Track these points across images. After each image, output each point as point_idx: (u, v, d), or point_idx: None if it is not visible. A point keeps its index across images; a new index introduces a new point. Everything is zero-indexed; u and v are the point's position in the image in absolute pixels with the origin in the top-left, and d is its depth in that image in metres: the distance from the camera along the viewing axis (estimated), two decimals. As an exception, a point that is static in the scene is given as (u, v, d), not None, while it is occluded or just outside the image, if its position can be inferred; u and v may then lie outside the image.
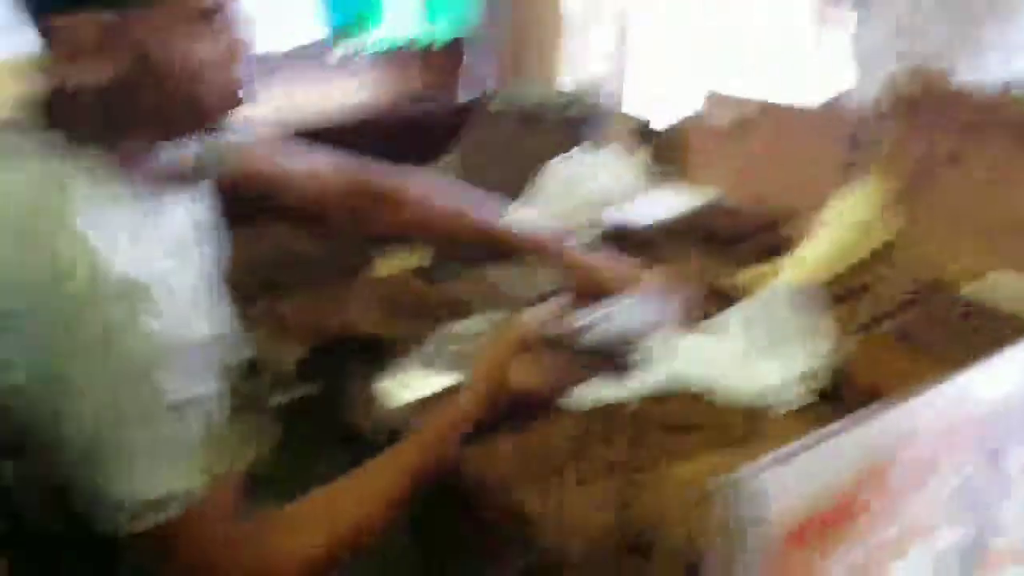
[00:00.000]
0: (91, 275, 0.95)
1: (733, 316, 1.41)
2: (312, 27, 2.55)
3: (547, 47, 2.66)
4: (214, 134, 1.21)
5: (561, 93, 2.11)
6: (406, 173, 1.53)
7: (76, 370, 0.95)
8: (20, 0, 1.02)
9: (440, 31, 2.69)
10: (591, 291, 1.41)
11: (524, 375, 1.13)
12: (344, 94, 2.65)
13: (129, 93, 1.04)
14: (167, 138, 1.14)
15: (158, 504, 0.99)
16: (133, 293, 0.97)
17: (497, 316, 1.43)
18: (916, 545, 1.07)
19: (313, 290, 1.61)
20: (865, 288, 1.51)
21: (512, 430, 1.27)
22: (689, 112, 1.95)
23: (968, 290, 1.45)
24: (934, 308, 1.40)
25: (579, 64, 2.69)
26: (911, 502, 1.02)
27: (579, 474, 1.20)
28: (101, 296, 0.95)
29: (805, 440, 0.89)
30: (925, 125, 1.55)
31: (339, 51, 2.44)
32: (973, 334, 1.33)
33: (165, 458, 0.99)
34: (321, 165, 1.49)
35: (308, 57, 2.45)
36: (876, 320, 1.34)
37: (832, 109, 1.90)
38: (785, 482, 0.87)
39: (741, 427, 1.29)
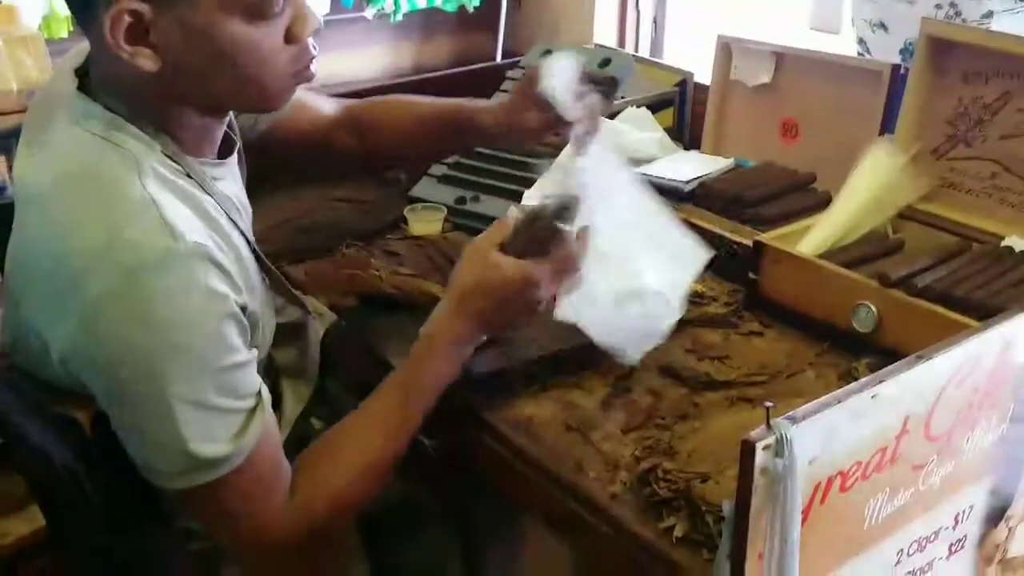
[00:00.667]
0: (161, 238, 0.97)
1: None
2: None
3: (582, 6, 2.65)
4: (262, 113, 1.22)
5: (596, 52, 2.10)
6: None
7: (136, 327, 0.96)
8: None
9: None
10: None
11: (507, 265, 1.16)
12: (382, 55, 2.65)
13: (183, 77, 1.04)
14: (222, 115, 1.16)
15: (210, 463, 1.01)
16: (199, 256, 0.99)
17: None
18: (948, 497, 1.08)
19: (347, 252, 1.63)
20: (899, 245, 1.51)
21: (543, 385, 1.30)
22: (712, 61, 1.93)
23: (1009, 241, 1.44)
24: (971, 262, 1.39)
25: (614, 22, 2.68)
26: (948, 455, 1.03)
27: (616, 425, 1.22)
28: (172, 257, 0.97)
29: (839, 392, 0.90)
30: (959, 75, 1.54)
31: (374, 12, 2.42)
32: (1013, 287, 1.32)
33: (218, 418, 1.01)
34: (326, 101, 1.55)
35: (346, 20, 2.45)
36: (911, 276, 1.33)
37: (863, 59, 1.89)
38: (818, 433, 0.88)
39: (769, 384, 1.30)
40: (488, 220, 1.69)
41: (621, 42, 2.75)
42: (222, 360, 1.00)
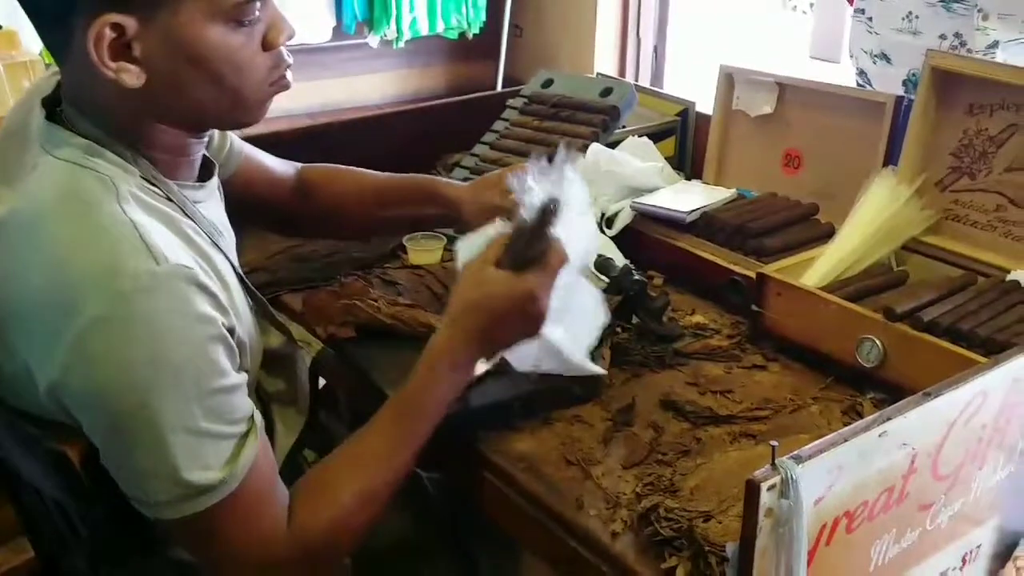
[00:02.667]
0: (143, 261, 0.96)
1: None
2: (323, 25, 2.54)
3: (583, 35, 2.65)
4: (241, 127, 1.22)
5: (597, 81, 2.09)
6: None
7: (125, 351, 0.95)
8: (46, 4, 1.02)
9: (471, 21, 2.67)
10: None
11: (503, 280, 1.15)
12: (383, 81, 2.65)
13: (166, 90, 1.04)
14: (201, 131, 1.15)
15: (202, 490, 0.99)
16: (183, 278, 0.98)
17: None
18: (955, 537, 1.06)
19: (346, 281, 1.61)
20: (903, 278, 1.49)
21: (543, 418, 1.28)
22: (712, 90, 1.92)
23: (1015, 275, 1.42)
24: (976, 296, 1.38)
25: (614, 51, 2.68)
26: (956, 494, 1.01)
27: (617, 460, 1.20)
28: (154, 279, 0.96)
29: (845, 431, 0.88)
30: (964, 107, 1.53)
31: (376, 39, 2.43)
32: (1020, 322, 1.30)
33: (210, 444, 0.99)
34: (276, 162, 1.54)
35: (348, 47, 2.45)
36: (916, 310, 1.32)
37: (866, 91, 1.88)
38: (824, 472, 0.86)
39: (772, 419, 1.28)
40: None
41: (621, 71, 2.75)
42: (212, 383, 0.99)
